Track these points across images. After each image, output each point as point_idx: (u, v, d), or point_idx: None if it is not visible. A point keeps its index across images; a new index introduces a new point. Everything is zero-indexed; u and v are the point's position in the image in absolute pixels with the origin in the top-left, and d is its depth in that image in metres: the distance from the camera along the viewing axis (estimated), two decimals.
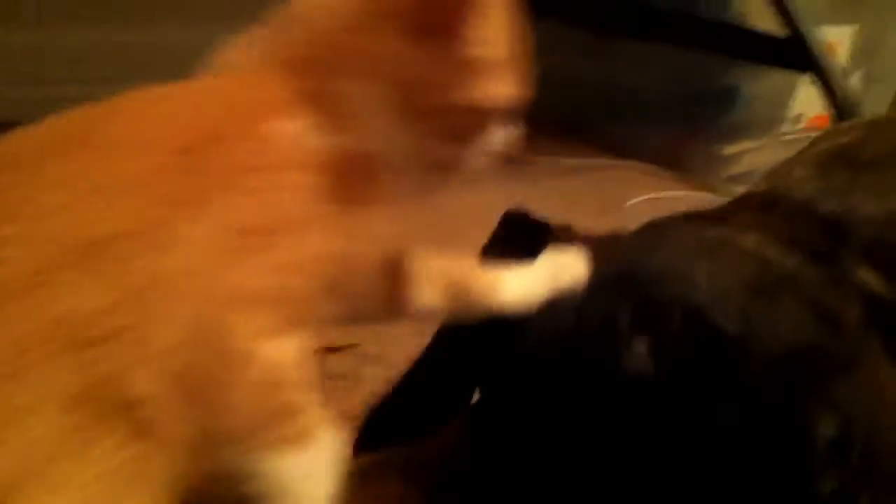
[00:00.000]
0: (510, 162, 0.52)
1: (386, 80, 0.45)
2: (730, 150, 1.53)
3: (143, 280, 0.37)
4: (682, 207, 1.35)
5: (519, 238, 0.67)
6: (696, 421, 0.50)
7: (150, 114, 0.43)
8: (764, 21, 1.38)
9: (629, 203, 1.37)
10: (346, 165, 0.45)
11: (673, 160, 1.55)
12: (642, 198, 1.40)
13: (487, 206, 1.29)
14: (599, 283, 0.58)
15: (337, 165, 0.45)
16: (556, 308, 0.57)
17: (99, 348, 0.36)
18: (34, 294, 0.35)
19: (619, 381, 0.52)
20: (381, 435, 0.66)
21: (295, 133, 0.44)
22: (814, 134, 1.56)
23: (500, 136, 0.51)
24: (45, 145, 0.40)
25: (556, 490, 0.54)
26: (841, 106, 1.28)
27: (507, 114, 0.50)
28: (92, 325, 0.36)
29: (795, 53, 1.30)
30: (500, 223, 0.71)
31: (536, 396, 0.59)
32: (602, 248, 0.63)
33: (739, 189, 1.42)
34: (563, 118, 1.74)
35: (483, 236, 1.18)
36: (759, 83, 1.49)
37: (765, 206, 0.67)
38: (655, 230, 0.68)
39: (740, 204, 0.71)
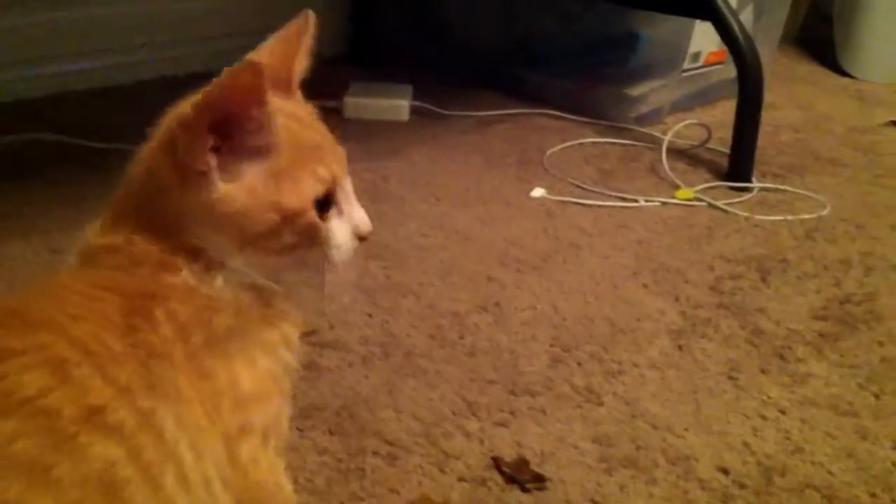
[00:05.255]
0: None
1: (215, 228, 0.47)
2: (635, 91, 1.60)
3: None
4: (596, 153, 1.41)
5: None
6: None
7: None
8: None
9: (548, 152, 1.42)
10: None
11: (582, 105, 1.61)
12: (560, 146, 1.45)
13: (415, 169, 1.33)
14: None
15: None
16: None
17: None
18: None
19: None
20: None
21: (195, 282, 0.48)
22: (712, 69, 1.65)
23: (347, 222, 0.51)
24: None
25: None
26: (734, 42, 1.36)
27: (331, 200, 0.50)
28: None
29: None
30: None
31: None
32: None
33: (647, 129, 1.51)
34: (472, 71, 1.77)
35: (417, 198, 1.21)
36: (658, 26, 1.56)
37: None
38: None
39: None
